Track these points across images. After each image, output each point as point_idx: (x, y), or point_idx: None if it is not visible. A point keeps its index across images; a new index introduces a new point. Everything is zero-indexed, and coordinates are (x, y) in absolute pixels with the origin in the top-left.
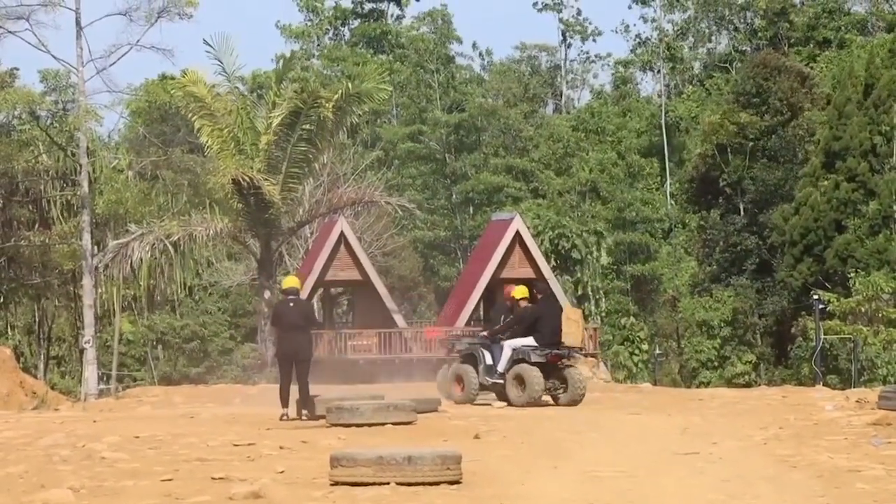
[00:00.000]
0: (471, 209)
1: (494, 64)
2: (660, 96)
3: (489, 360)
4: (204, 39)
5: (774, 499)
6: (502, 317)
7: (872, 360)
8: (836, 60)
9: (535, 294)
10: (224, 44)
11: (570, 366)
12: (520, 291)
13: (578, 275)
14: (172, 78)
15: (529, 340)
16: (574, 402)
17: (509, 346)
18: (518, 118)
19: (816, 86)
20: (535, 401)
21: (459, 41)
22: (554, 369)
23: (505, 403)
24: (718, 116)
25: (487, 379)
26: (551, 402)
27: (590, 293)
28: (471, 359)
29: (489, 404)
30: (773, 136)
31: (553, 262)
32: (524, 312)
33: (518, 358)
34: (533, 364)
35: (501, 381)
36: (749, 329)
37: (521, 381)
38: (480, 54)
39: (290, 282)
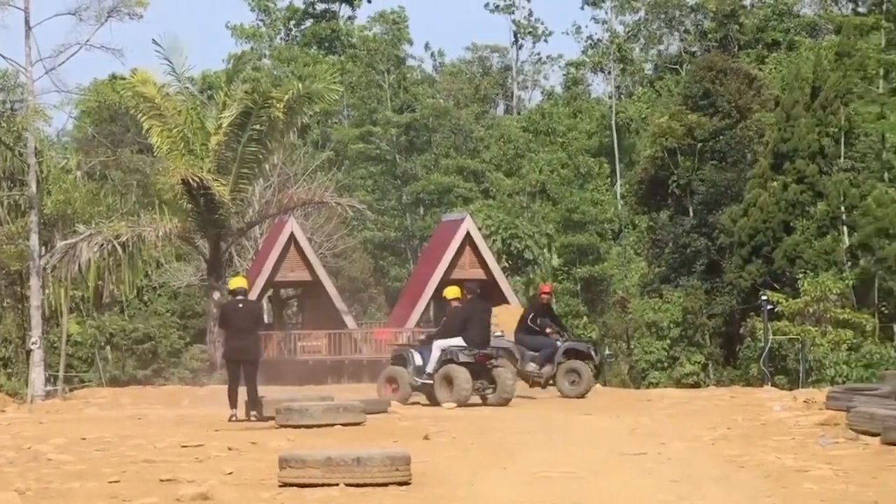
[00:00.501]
0: (421, 210)
1: (445, 65)
2: (610, 97)
3: (418, 362)
4: (153, 39)
5: (722, 499)
6: (530, 315)
7: (820, 360)
8: (785, 62)
9: (464, 294)
10: (173, 44)
11: (499, 366)
12: (451, 292)
13: (530, 275)
14: (122, 78)
15: (458, 341)
16: (503, 402)
17: (438, 346)
18: (469, 119)
19: (765, 87)
20: (463, 401)
21: (410, 42)
22: (483, 369)
23: (454, 405)
24: (666, 118)
25: (416, 380)
26: (479, 402)
27: None
28: (401, 360)
29: (417, 403)
30: (722, 138)
31: (505, 263)
32: (453, 312)
33: (447, 359)
34: (461, 364)
35: (430, 382)
36: (698, 330)
37: (449, 381)
38: (432, 55)
39: (236, 282)
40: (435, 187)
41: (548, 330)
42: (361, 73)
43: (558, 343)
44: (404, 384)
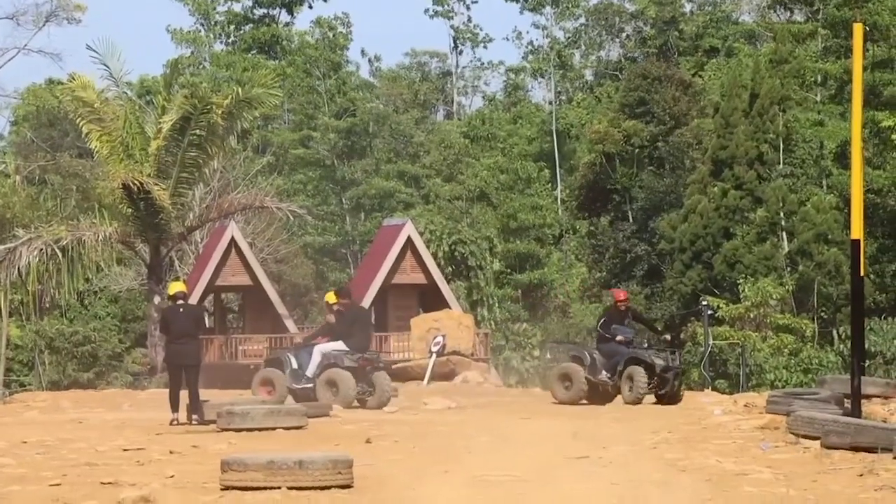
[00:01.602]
0: (362, 215)
1: (383, 70)
2: (550, 104)
3: (295, 365)
4: (87, 45)
5: (663, 502)
6: (602, 322)
7: (760, 365)
8: (724, 69)
9: (339, 299)
10: (109, 48)
11: (379, 370)
12: (332, 297)
13: (474, 280)
14: (59, 83)
15: (340, 345)
16: (381, 406)
17: (319, 350)
18: (409, 124)
19: (703, 94)
20: (348, 405)
21: (345, 47)
22: (363, 374)
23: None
24: (604, 125)
25: (294, 384)
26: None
27: (484, 299)
28: (277, 363)
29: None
30: (660, 145)
31: (449, 269)
32: (340, 317)
33: (329, 363)
34: (345, 368)
35: (310, 386)
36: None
37: (332, 384)
38: (369, 60)
39: (176, 287)
40: (376, 192)
41: (619, 338)
42: (299, 78)
43: (625, 351)
44: (281, 387)
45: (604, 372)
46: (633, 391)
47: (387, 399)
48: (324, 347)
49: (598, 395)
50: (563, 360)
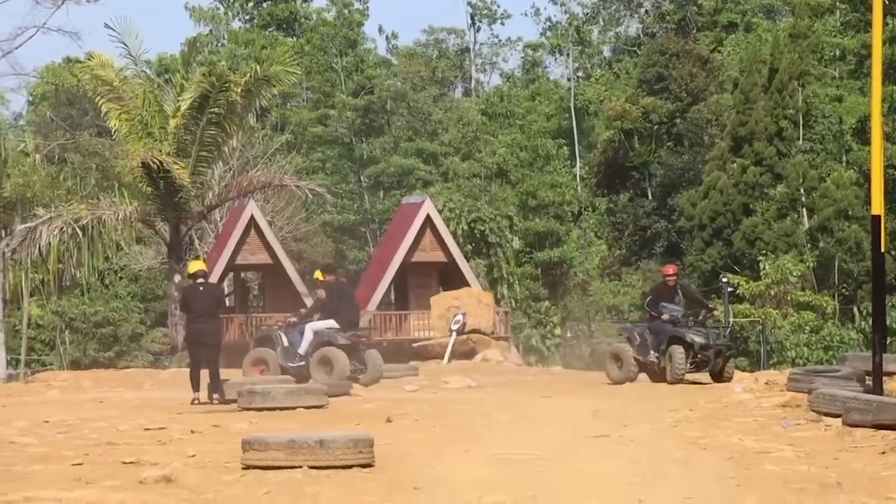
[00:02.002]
0: (381, 193)
1: (401, 48)
2: (569, 80)
3: (286, 343)
4: (105, 23)
5: (684, 480)
6: (648, 300)
7: (781, 342)
8: (742, 44)
9: (325, 277)
10: (127, 27)
11: (370, 347)
12: (320, 274)
13: (494, 258)
14: (77, 61)
15: (331, 323)
16: (373, 382)
17: (311, 329)
18: (427, 101)
19: (721, 70)
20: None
21: (360, 24)
22: (354, 351)
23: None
24: (621, 101)
25: (288, 363)
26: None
27: (505, 276)
28: (268, 342)
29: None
30: (678, 121)
31: (469, 246)
32: (328, 294)
33: (322, 340)
34: (339, 347)
35: (303, 364)
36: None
37: (326, 363)
38: (387, 38)
39: (196, 265)
40: (394, 170)
41: (664, 316)
42: (317, 56)
43: (668, 329)
44: (274, 365)
45: (652, 352)
46: (671, 371)
47: (378, 376)
48: (315, 325)
49: (651, 374)
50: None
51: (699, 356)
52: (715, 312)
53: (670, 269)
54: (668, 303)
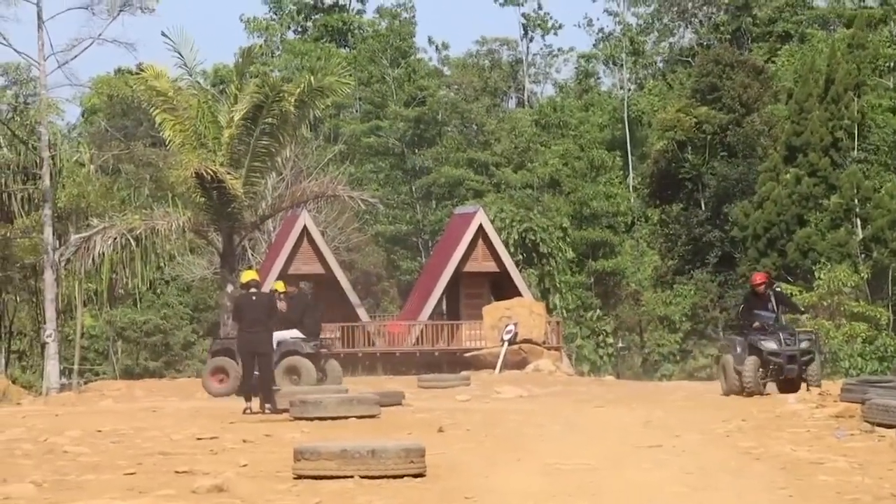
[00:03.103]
0: (432, 203)
1: (452, 58)
2: (622, 90)
3: None
4: (162, 32)
5: (737, 491)
6: (740, 309)
7: (835, 353)
8: (797, 55)
9: (287, 287)
10: (182, 37)
11: (331, 357)
12: (280, 285)
13: (546, 268)
14: (129, 72)
15: (295, 332)
16: None
17: (275, 338)
18: (480, 112)
19: (774, 80)
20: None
21: (412, 35)
22: (316, 360)
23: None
24: (674, 111)
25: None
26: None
27: (556, 286)
28: (228, 352)
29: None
30: (731, 132)
31: (520, 256)
32: (291, 304)
33: (288, 350)
34: (304, 356)
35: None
36: (709, 323)
37: (293, 371)
38: (437, 48)
39: (248, 275)
40: (445, 180)
41: (755, 324)
42: (369, 67)
43: (752, 338)
44: (233, 375)
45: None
46: (742, 383)
47: (339, 384)
48: (279, 335)
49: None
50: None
51: (771, 364)
52: (799, 317)
53: (758, 277)
54: (762, 311)
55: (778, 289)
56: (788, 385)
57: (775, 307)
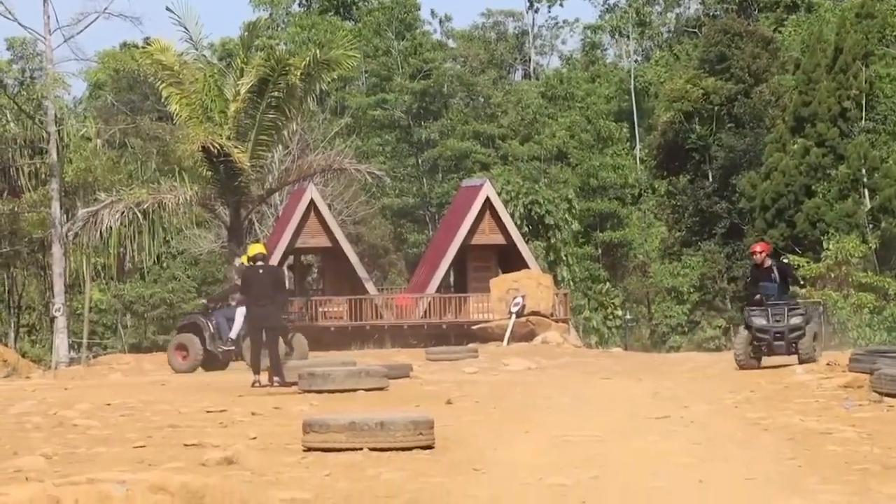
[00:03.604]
0: (439, 176)
1: (457, 30)
2: (628, 61)
3: (213, 329)
4: (167, 7)
5: (745, 461)
6: (747, 281)
7: (844, 323)
8: (804, 25)
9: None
10: (187, 11)
11: (297, 332)
12: (245, 259)
13: (551, 241)
14: (135, 46)
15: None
16: None
17: (241, 313)
18: (486, 84)
19: (782, 50)
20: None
21: (416, 8)
22: (285, 334)
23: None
24: (682, 82)
25: (217, 347)
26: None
27: (563, 258)
28: (194, 328)
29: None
30: (738, 103)
31: (526, 228)
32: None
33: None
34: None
35: (233, 349)
36: (717, 294)
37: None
38: (440, 21)
39: (255, 248)
40: (452, 153)
41: (756, 297)
42: (375, 40)
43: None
44: (194, 351)
45: None
46: (734, 357)
47: (305, 358)
48: (246, 310)
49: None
50: None
51: (759, 340)
52: (795, 290)
53: (756, 246)
54: (767, 282)
55: (785, 260)
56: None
57: (777, 279)
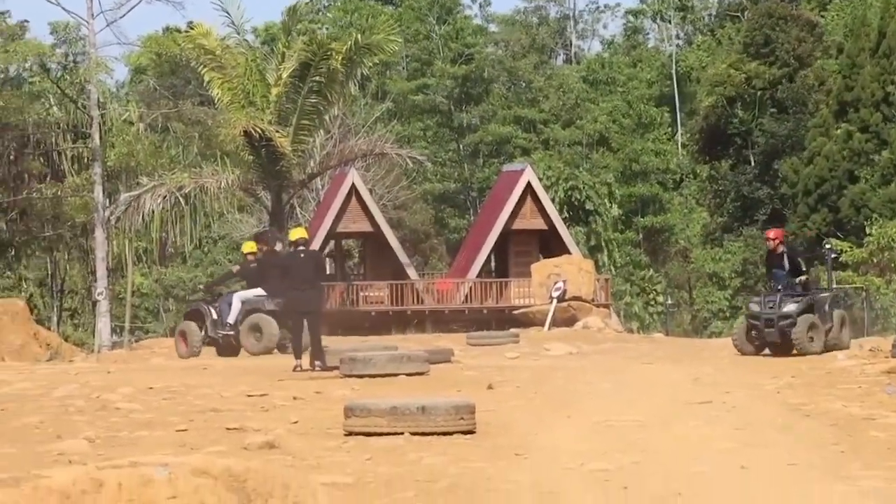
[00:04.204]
0: (480, 161)
1: (498, 14)
2: (670, 46)
3: (215, 316)
4: None
5: (787, 447)
6: (764, 269)
7: (886, 308)
8: (848, 9)
9: (260, 248)
10: None
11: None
12: (248, 246)
13: (592, 226)
14: (178, 30)
15: (259, 291)
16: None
17: (238, 298)
18: (527, 69)
19: (826, 35)
20: (271, 349)
21: None
22: (279, 318)
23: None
24: (724, 67)
25: (219, 332)
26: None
27: (603, 244)
28: (197, 315)
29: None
30: (781, 87)
31: (566, 214)
32: (258, 264)
33: (251, 308)
34: (268, 313)
35: (232, 333)
36: (759, 280)
37: (256, 329)
38: (479, 5)
39: (297, 233)
40: (493, 138)
41: (771, 284)
42: (412, 25)
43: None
44: (193, 339)
45: None
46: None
47: (305, 344)
48: (243, 294)
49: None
50: None
51: (752, 327)
52: (802, 279)
53: (769, 233)
54: (778, 269)
55: (810, 246)
56: (776, 348)
57: (787, 266)
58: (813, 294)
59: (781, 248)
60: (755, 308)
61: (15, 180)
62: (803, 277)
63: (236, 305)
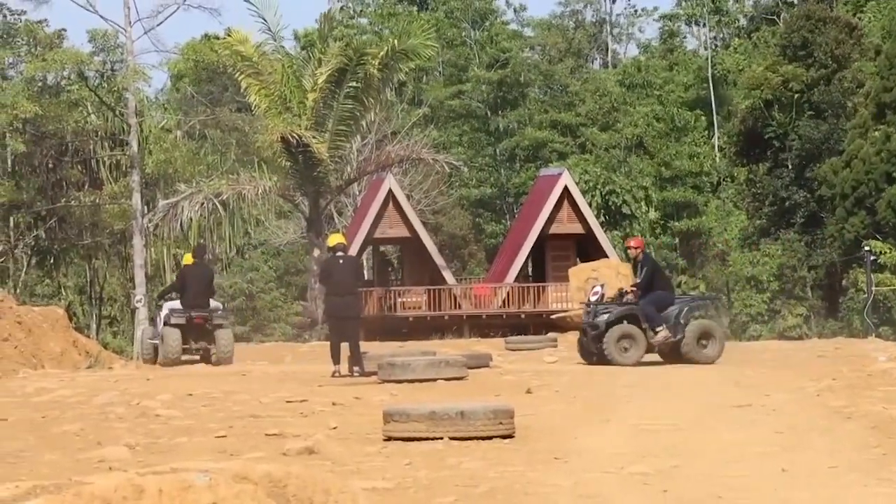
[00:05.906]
0: (517, 165)
1: (534, 19)
2: (706, 49)
3: (156, 322)
4: None
5: (828, 450)
6: None
7: None
8: (885, 10)
9: (194, 258)
10: (266, 1)
11: (220, 326)
12: (187, 258)
13: (628, 230)
14: (216, 37)
15: (177, 304)
16: (220, 363)
17: (166, 307)
18: (564, 73)
19: (865, 36)
20: (172, 361)
21: None
22: (201, 330)
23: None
24: (762, 69)
25: (151, 339)
26: (197, 361)
27: None
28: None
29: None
30: (818, 89)
31: (603, 218)
32: (178, 278)
33: (166, 319)
34: (173, 326)
35: (157, 342)
36: (798, 283)
37: (162, 339)
38: (514, 10)
39: (336, 238)
40: (529, 143)
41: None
42: (451, 30)
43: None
44: (147, 344)
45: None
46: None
47: (226, 355)
48: (170, 304)
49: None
50: None
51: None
52: (628, 287)
53: (629, 241)
54: (638, 278)
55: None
56: (600, 358)
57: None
58: (646, 304)
59: (641, 257)
60: (585, 318)
61: (54, 188)
62: (629, 287)
63: (163, 314)
